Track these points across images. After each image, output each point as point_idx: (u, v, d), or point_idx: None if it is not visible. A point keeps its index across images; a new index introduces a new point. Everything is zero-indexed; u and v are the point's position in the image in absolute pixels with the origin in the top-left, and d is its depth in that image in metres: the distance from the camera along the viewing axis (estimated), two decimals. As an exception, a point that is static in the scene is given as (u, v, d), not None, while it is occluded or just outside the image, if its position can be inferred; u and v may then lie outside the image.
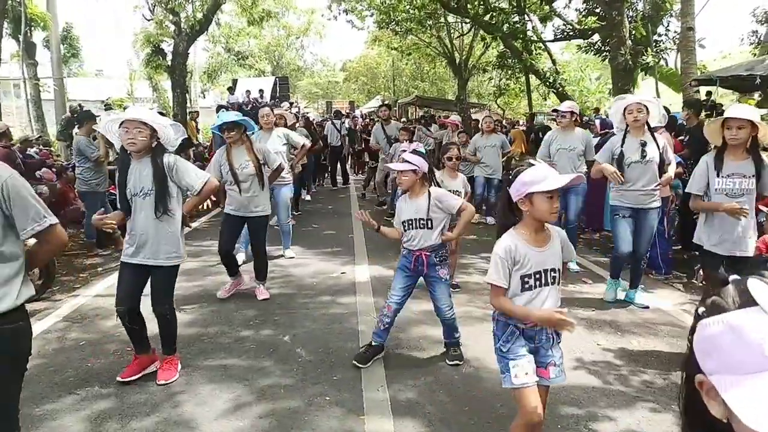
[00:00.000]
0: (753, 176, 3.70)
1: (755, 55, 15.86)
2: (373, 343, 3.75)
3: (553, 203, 2.24)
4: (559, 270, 2.37)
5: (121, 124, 3.25)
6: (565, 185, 2.21)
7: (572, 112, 6.40)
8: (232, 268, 5.18)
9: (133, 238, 3.38)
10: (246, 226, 5.20)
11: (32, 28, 15.75)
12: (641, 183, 4.68)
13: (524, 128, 16.29)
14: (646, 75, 14.64)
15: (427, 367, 3.70)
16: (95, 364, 3.74)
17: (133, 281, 3.43)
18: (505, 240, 2.32)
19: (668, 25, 15.63)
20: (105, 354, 3.90)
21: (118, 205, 3.47)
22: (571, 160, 6.08)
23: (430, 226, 3.57)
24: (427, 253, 3.59)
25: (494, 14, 13.43)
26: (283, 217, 6.57)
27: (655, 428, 2.95)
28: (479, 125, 9.69)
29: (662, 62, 14.77)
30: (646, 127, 4.68)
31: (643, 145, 4.64)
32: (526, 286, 2.30)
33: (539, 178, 2.21)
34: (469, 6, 13.68)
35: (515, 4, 13.45)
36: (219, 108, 13.50)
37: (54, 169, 8.14)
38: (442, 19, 20.32)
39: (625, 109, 4.65)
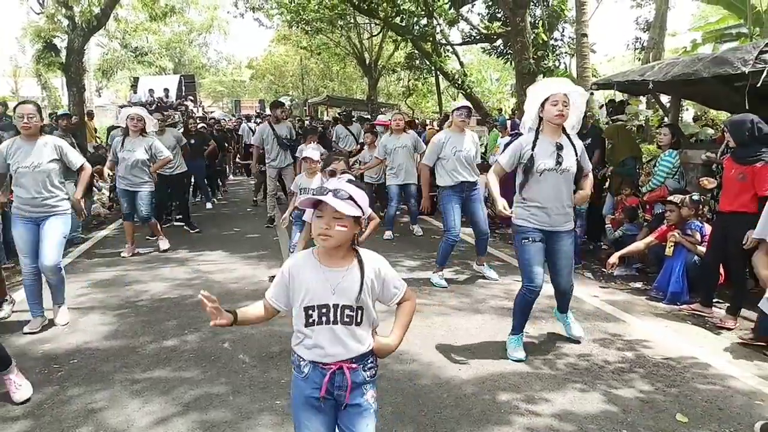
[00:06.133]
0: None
1: (639, 59, 17.38)
2: None
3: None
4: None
5: None
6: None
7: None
8: None
9: None
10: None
11: None
12: (555, 198, 3.77)
13: (437, 129, 16.80)
14: (543, 77, 15.63)
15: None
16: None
17: None
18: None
19: (563, 31, 16.79)
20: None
21: None
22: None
23: (359, 320, 2.00)
24: (353, 366, 2.01)
25: (404, 17, 13.75)
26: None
27: (586, 406, 3.23)
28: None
29: (561, 66, 15.81)
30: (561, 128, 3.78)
31: (559, 148, 3.72)
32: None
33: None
34: (380, 8, 13.91)
35: (424, 8, 13.83)
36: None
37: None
38: (353, 20, 20.50)
39: (546, 99, 3.64)
